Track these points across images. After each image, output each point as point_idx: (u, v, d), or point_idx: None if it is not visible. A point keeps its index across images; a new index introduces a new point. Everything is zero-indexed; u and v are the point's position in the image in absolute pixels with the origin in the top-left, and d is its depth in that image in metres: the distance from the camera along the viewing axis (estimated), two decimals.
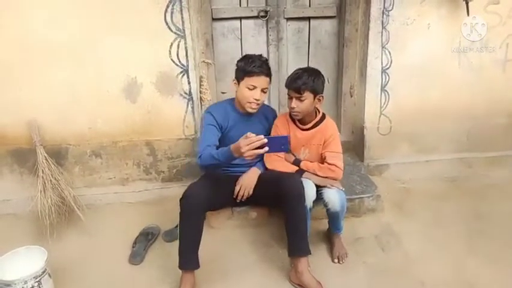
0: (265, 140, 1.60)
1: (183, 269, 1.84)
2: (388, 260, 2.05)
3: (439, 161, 2.81)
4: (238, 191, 2.05)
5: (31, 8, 2.23)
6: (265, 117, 2.18)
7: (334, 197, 1.94)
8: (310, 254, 1.89)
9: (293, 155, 2.11)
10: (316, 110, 2.09)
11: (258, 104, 2.01)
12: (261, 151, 1.61)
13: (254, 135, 1.62)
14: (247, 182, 2.05)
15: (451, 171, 2.80)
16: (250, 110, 2.02)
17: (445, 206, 2.48)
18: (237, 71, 2.02)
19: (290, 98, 1.99)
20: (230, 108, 2.11)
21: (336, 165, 2.02)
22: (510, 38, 2.63)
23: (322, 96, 2.00)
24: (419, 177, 2.74)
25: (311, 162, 2.07)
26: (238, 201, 2.08)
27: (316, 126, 2.07)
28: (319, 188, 2.00)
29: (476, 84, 2.70)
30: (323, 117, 2.09)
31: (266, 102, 2.84)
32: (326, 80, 2.09)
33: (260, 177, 2.08)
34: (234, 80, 2.04)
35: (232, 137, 2.01)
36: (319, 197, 1.99)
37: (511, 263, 1.98)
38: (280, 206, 1.93)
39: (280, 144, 1.66)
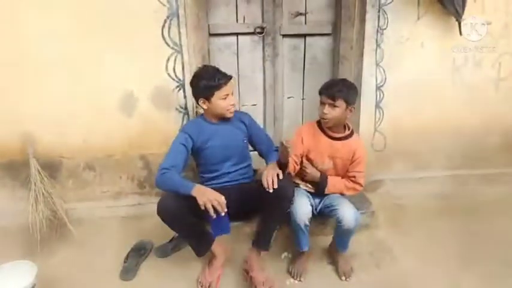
0: (224, 211, 1.76)
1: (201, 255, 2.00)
2: (382, 277, 2.04)
3: (433, 177, 2.82)
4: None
5: (29, 22, 2.24)
6: (240, 121, 2.18)
7: (349, 214, 1.92)
8: (268, 250, 2.04)
9: (315, 166, 2.10)
10: (346, 125, 2.09)
11: (234, 106, 2.08)
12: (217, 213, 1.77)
13: (224, 202, 1.77)
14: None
15: (445, 188, 2.80)
16: (230, 115, 2.07)
17: (439, 222, 2.48)
18: (201, 91, 2.02)
19: (322, 104, 1.98)
20: (203, 122, 2.12)
21: (361, 185, 2.08)
22: (502, 57, 2.67)
23: (354, 108, 2.00)
24: (414, 193, 2.74)
25: (335, 176, 2.10)
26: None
27: (345, 139, 2.06)
28: (331, 205, 2.01)
29: (470, 102, 2.73)
30: (352, 132, 2.10)
31: (262, 114, 2.89)
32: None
33: (250, 189, 2.05)
34: (201, 100, 2.04)
35: (213, 147, 2.09)
36: (330, 214, 2.00)
37: (505, 280, 1.98)
38: (264, 204, 1.91)
39: (223, 225, 1.85)
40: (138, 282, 2.05)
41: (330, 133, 2.06)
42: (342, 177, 2.11)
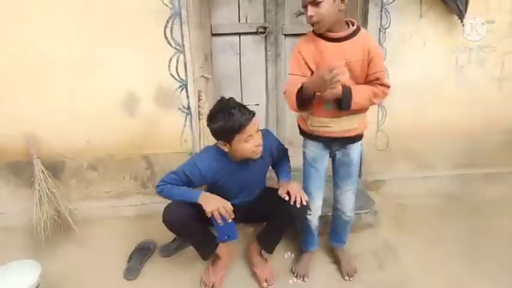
0: (231, 218, 1.74)
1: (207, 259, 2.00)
2: (385, 277, 2.03)
3: (436, 177, 2.81)
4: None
5: (31, 22, 2.25)
6: (264, 150, 1.84)
7: (350, 203, 1.89)
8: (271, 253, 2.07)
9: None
10: (349, 22, 1.68)
11: (262, 146, 1.77)
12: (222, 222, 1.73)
13: (231, 209, 1.73)
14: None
15: (448, 187, 2.79)
16: (256, 156, 1.78)
17: (442, 222, 2.47)
18: (219, 134, 1.72)
19: (305, 7, 1.59)
20: (224, 160, 1.82)
21: (388, 85, 1.70)
22: (505, 56, 2.66)
23: None
24: (417, 193, 2.73)
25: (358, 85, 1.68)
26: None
27: (353, 36, 1.64)
28: (339, 174, 1.91)
29: (473, 101, 2.71)
30: (358, 28, 1.68)
31: (264, 114, 2.88)
32: None
33: (259, 199, 2.01)
34: (221, 143, 1.75)
35: (228, 186, 1.88)
36: (334, 180, 1.93)
37: (509, 280, 1.97)
38: (274, 216, 1.91)
39: (230, 231, 1.79)
40: (142, 282, 2.05)
41: (331, 34, 1.64)
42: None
